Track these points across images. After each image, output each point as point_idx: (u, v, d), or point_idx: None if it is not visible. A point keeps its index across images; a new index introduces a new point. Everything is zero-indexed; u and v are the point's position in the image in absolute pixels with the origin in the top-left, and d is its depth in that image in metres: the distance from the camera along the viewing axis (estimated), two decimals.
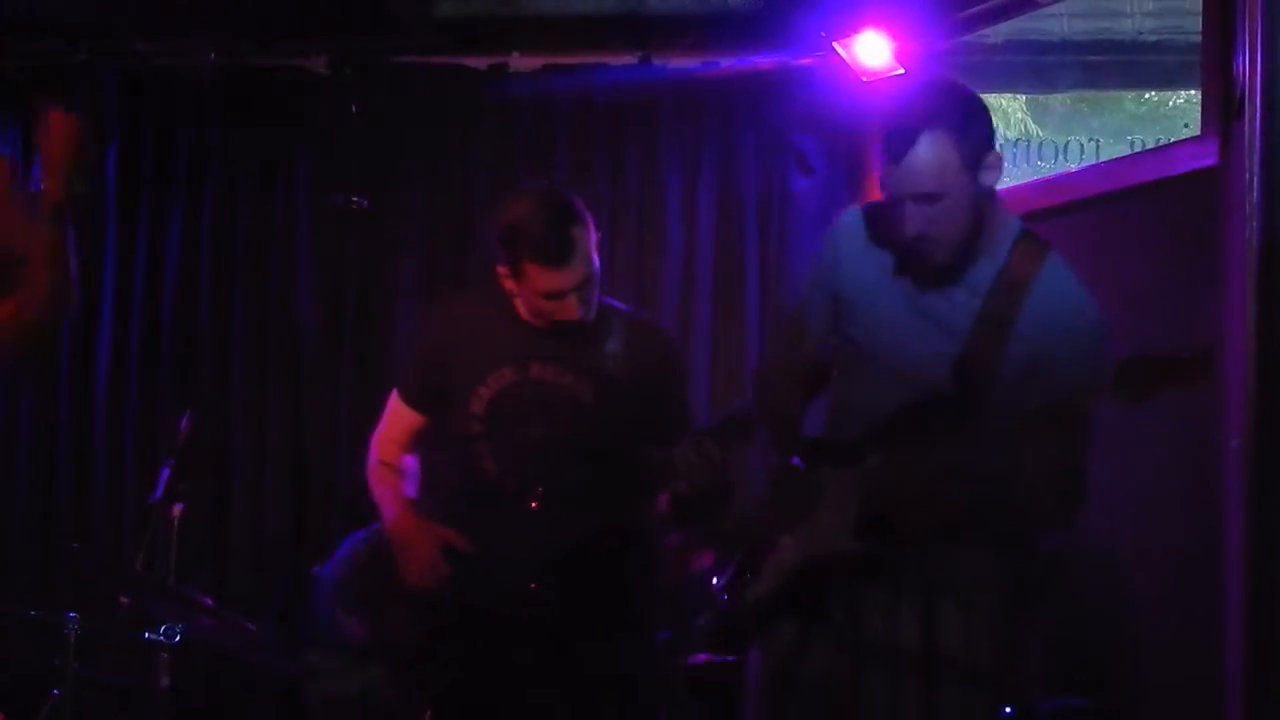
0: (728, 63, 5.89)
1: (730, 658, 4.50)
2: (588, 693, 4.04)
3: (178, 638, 4.39)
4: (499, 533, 4.04)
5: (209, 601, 4.41)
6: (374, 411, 4.34)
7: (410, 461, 4.22)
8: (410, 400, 4.20)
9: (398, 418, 4.22)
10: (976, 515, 3.27)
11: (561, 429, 4.06)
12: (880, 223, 3.41)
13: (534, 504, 4.03)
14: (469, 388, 4.08)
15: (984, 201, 3.30)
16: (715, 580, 3.48)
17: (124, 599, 4.44)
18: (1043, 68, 5.91)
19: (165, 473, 4.53)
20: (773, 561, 3.35)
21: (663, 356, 4.20)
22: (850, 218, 3.55)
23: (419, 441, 4.23)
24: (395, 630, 4.23)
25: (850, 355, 3.47)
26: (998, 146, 3.33)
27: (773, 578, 3.34)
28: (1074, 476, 3.28)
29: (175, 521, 4.52)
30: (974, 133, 3.26)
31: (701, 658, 4.72)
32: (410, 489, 4.20)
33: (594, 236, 3.99)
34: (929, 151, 3.19)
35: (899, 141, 3.21)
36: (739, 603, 3.37)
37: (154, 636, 4.39)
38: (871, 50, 5.46)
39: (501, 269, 4.01)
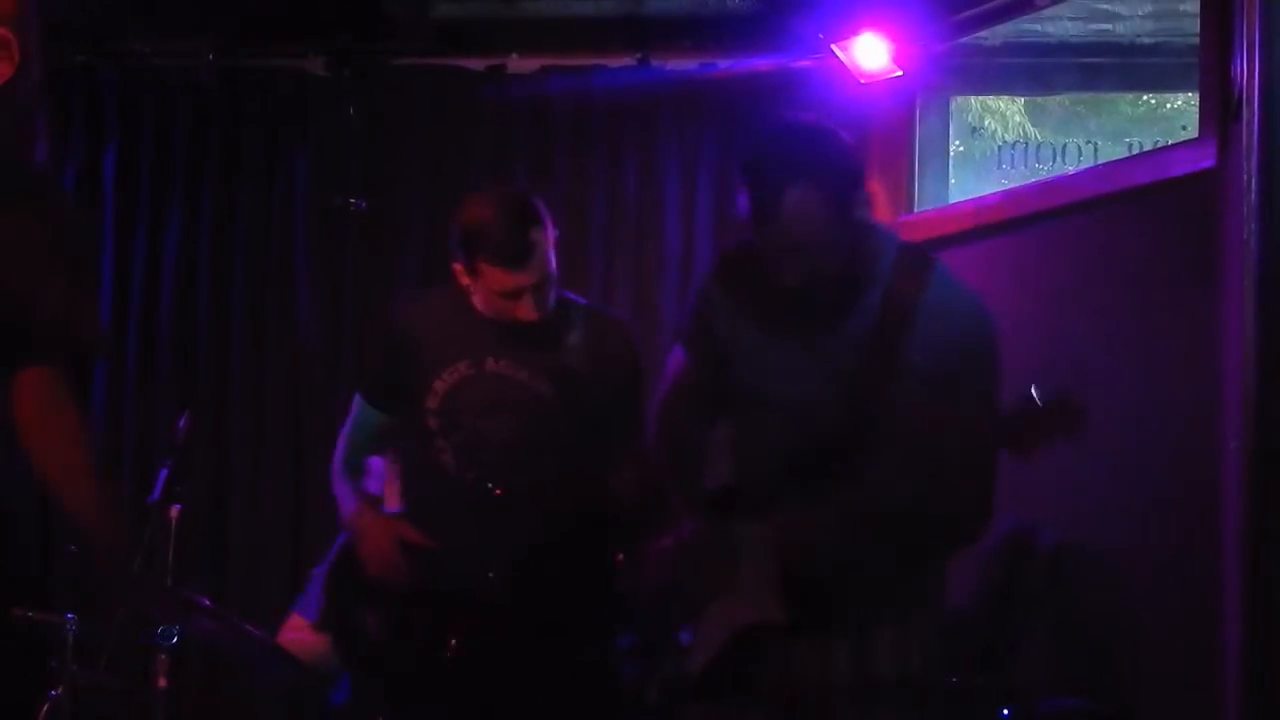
0: (726, 65, 5.89)
1: None
2: (546, 686, 4.04)
3: (175, 639, 4.38)
4: (459, 526, 4.05)
5: (207, 603, 4.41)
6: None
7: (375, 462, 4.25)
8: (372, 400, 4.23)
9: (362, 418, 4.26)
10: (890, 548, 3.23)
11: (518, 423, 4.06)
12: (757, 270, 3.32)
13: (498, 491, 4.04)
14: (426, 383, 4.10)
15: (859, 235, 3.23)
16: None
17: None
18: (1040, 70, 5.90)
19: (163, 473, 4.52)
20: (703, 632, 3.30)
21: (620, 350, 4.20)
22: (729, 259, 3.52)
23: (383, 441, 4.25)
24: (357, 624, 4.25)
25: (743, 401, 3.41)
26: (867, 189, 3.26)
27: (706, 649, 3.28)
28: (983, 493, 3.25)
29: (173, 522, 4.52)
30: (841, 178, 3.18)
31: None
32: (372, 485, 4.23)
33: (552, 236, 4.01)
34: (798, 208, 3.11)
35: (765, 200, 3.13)
36: (679, 677, 3.34)
37: (152, 638, 4.38)
38: (869, 52, 5.46)
39: (457, 266, 4.02)
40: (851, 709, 3.25)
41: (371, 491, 4.28)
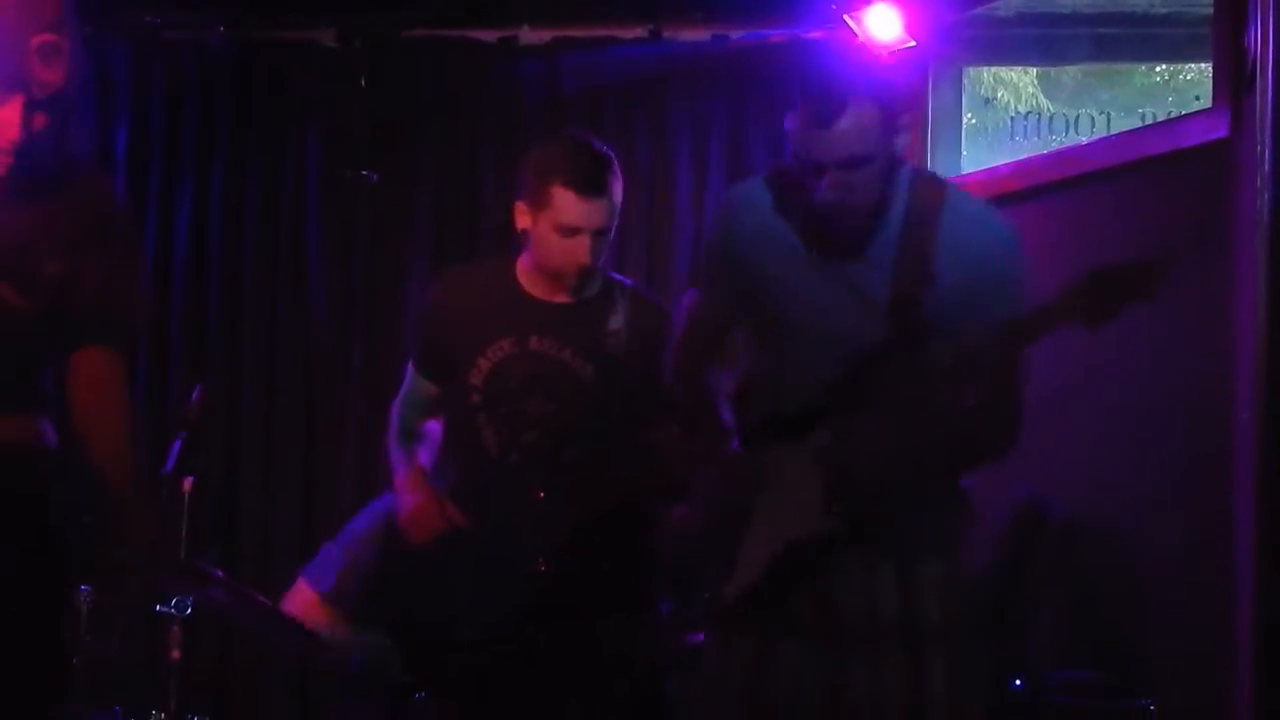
0: (738, 36, 5.88)
1: None
2: (595, 669, 4.04)
3: (189, 610, 4.40)
4: (504, 507, 4.05)
5: (220, 574, 4.42)
6: (383, 384, 4.35)
7: (433, 426, 4.26)
8: (421, 370, 4.22)
9: (415, 386, 4.25)
10: (932, 461, 3.28)
11: (560, 403, 4.04)
12: (788, 192, 3.38)
13: (540, 494, 4.03)
14: (470, 359, 4.07)
15: (892, 165, 3.30)
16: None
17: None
18: (1053, 40, 5.89)
19: (176, 446, 4.53)
20: (744, 555, 3.33)
21: (659, 334, 4.17)
22: (746, 192, 3.54)
23: (438, 408, 4.25)
24: (405, 611, 4.25)
25: (768, 332, 3.45)
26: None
27: (747, 572, 3.30)
28: (1012, 403, 3.29)
29: (186, 494, 4.53)
30: (894, 97, 3.27)
31: (700, 636, 4.70)
32: (425, 455, 4.22)
33: (620, 193, 3.99)
34: (858, 117, 3.17)
35: (827, 107, 3.18)
36: (717, 603, 3.35)
37: (165, 609, 4.40)
38: (882, 23, 5.44)
39: (522, 202, 3.99)
40: (900, 649, 3.26)
41: (424, 460, 4.28)
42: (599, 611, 4.03)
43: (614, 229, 4.01)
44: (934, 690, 3.25)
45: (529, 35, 5.98)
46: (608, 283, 4.10)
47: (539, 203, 3.94)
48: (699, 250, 3.66)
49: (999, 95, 6.54)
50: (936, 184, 3.38)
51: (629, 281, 4.24)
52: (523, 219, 4.00)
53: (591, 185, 3.91)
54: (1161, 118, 5.55)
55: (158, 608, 4.41)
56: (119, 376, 3.20)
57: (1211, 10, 4.56)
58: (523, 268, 4.08)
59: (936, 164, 5.69)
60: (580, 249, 3.94)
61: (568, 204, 3.91)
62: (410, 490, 4.16)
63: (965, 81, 5.92)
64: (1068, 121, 6.07)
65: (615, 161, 4.00)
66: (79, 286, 3.09)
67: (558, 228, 3.93)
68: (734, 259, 3.48)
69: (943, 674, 3.26)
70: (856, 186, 3.22)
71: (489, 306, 4.10)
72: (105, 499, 3.19)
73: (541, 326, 4.05)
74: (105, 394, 3.17)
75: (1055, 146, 5.86)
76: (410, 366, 4.27)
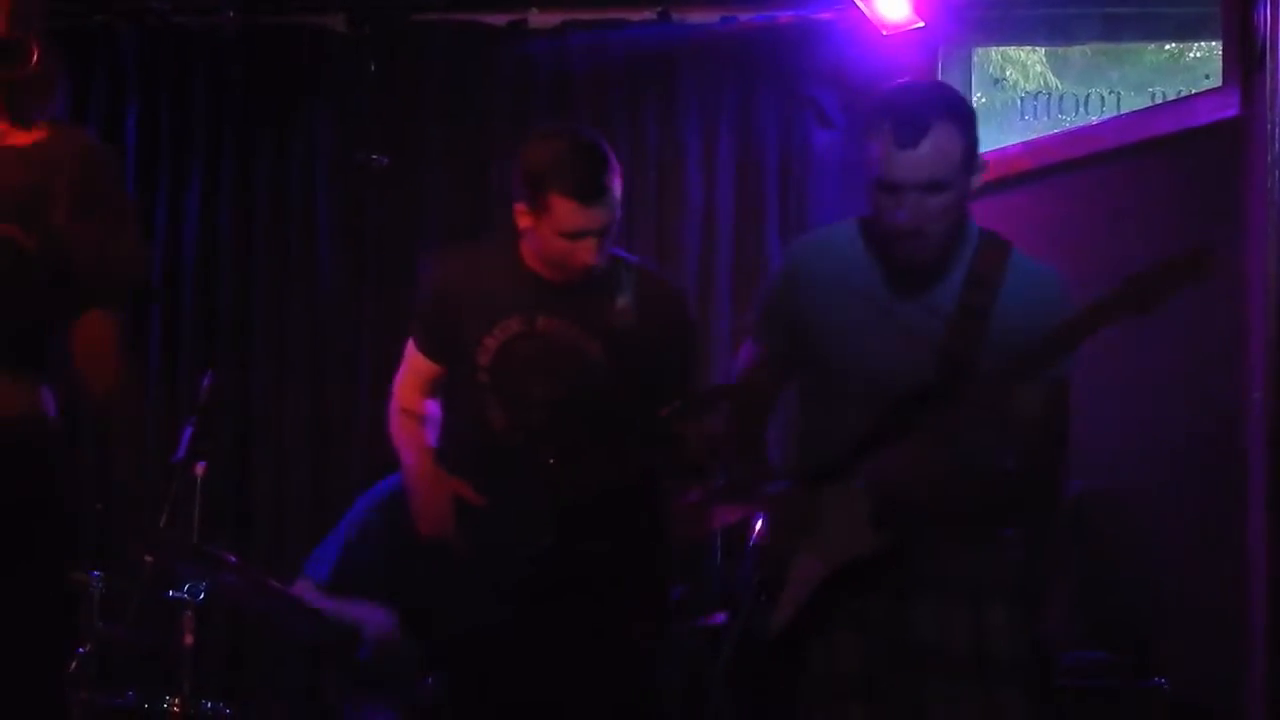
0: (747, 18, 5.87)
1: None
2: (598, 649, 4.03)
3: (202, 595, 4.41)
4: (510, 487, 4.03)
5: (233, 559, 4.43)
6: (394, 369, 4.34)
7: (433, 407, 4.22)
8: (424, 350, 4.18)
9: (416, 365, 4.21)
10: (974, 503, 3.27)
11: (568, 383, 4.02)
12: (870, 233, 3.38)
13: (551, 460, 4.01)
14: (476, 339, 4.04)
15: (967, 209, 3.30)
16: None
17: (148, 557, 4.46)
18: (1062, 20, 5.87)
19: (188, 432, 4.54)
20: (792, 588, 3.32)
21: (672, 312, 4.14)
22: (820, 237, 3.55)
23: (439, 388, 4.22)
24: (412, 588, 4.24)
25: (825, 381, 3.43)
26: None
27: (794, 603, 3.31)
28: (1059, 466, 3.32)
29: (198, 480, 4.54)
30: (974, 132, 3.27)
31: (719, 617, 4.70)
32: (432, 436, 4.19)
33: (620, 186, 3.95)
34: (942, 141, 3.17)
35: (911, 128, 3.17)
36: (764, 634, 3.35)
37: (178, 594, 4.41)
38: (891, 4, 5.44)
39: (521, 205, 3.92)
40: (974, 683, 3.26)
41: (431, 443, 4.27)
42: (603, 590, 4.02)
43: (618, 221, 3.97)
44: None
45: (538, 18, 5.98)
46: (614, 260, 4.04)
47: (539, 208, 3.88)
48: (759, 301, 3.62)
49: (1008, 75, 6.53)
50: (1002, 244, 3.37)
51: (635, 258, 4.20)
52: (524, 220, 3.93)
53: (591, 191, 3.85)
54: (1171, 96, 5.54)
55: (171, 593, 4.43)
56: (115, 332, 3.23)
57: None
58: (528, 247, 4.05)
59: None
60: (585, 251, 3.90)
61: (568, 212, 3.85)
62: (420, 475, 4.13)
63: (974, 61, 5.91)
64: (1077, 101, 6.05)
65: (611, 155, 3.93)
66: (83, 240, 3.09)
67: (560, 233, 3.90)
68: (795, 308, 3.47)
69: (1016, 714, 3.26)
70: (934, 213, 3.21)
71: (496, 286, 4.06)
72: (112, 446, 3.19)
73: (549, 305, 4.01)
74: (102, 345, 3.21)
75: (1065, 126, 5.85)
76: (411, 345, 4.23)
